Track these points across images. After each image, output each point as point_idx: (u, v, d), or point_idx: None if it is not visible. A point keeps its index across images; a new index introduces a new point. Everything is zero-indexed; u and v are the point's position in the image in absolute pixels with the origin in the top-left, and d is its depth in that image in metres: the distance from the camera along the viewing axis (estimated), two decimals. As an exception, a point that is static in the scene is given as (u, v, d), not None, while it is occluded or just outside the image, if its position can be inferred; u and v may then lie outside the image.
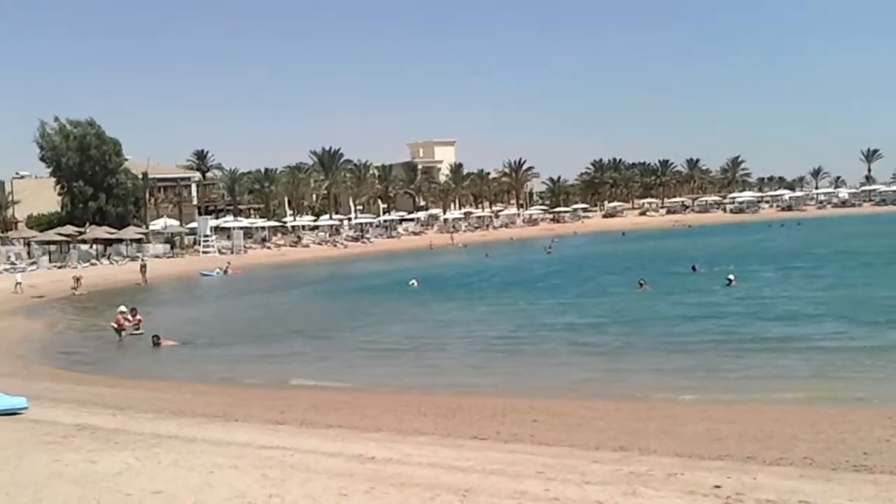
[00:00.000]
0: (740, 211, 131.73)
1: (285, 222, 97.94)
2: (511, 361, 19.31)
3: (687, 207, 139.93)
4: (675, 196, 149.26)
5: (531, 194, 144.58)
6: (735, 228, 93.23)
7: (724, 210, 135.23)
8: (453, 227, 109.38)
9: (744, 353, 18.28)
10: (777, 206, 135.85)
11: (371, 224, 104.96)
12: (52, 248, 68.89)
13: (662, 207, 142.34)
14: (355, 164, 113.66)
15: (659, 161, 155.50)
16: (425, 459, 8.52)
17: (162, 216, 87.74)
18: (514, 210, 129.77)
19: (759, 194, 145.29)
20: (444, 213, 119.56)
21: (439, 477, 7.60)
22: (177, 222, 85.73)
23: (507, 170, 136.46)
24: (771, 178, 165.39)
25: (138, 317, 25.36)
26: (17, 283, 46.14)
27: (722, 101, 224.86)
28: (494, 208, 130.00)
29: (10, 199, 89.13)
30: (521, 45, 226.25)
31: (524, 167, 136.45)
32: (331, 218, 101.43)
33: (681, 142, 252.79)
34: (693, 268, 40.66)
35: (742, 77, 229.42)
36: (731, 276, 33.26)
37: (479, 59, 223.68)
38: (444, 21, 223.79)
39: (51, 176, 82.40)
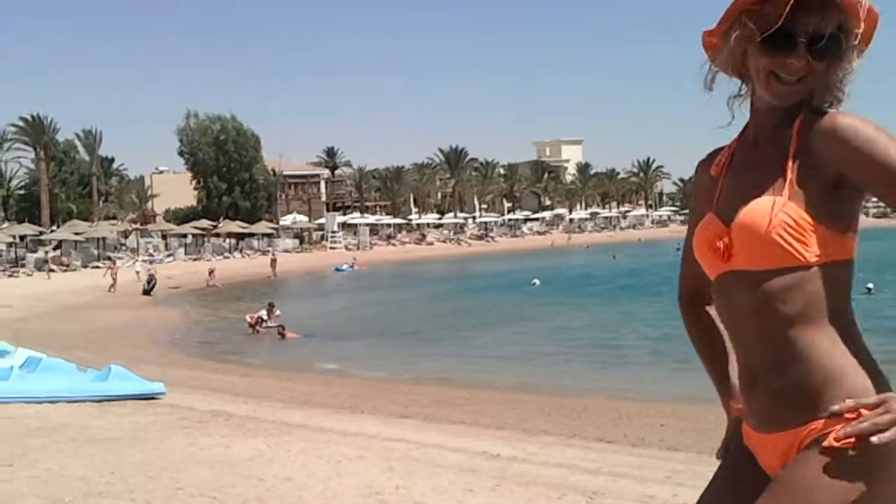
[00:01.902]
0: (883, 216, 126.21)
1: (410, 220, 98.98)
2: (635, 365, 19.12)
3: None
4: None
5: (661, 195, 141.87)
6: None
7: (867, 215, 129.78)
8: (572, 227, 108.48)
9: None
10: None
11: (495, 223, 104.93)
12: (188, 240, 71.29)
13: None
14: (481, 163, 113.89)
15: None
16: (551, 459, 8.46)
17: (292, 212, 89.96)
18: (642, 211, 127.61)
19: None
20: (570, 212, 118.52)
21: (566, 477, 7.52)
22: (306, 218, 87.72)
23: (635, 169, 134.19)
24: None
25: (277, 312, 25.93)
26: (137, 273, 46.75)
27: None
28: (622, 209, 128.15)
29: (149, 193, 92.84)
30: (652, 44, 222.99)
31: (654, 167, 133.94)
32: (455, 216, 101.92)
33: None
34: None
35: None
36: (870, 285, 31.88)
37: (608, 58, 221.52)
38: (572, 22, 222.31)
39: (188, 171, 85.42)
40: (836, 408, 1.81)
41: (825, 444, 1.81)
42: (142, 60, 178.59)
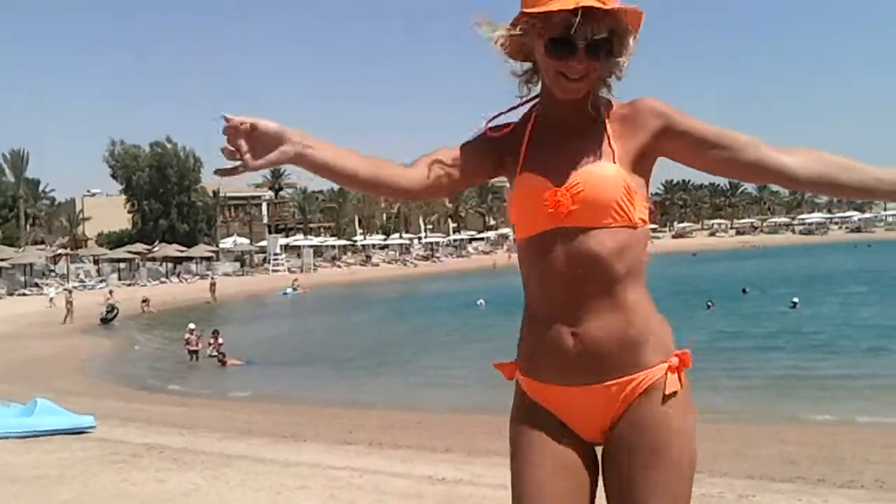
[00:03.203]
0: (809, 232, 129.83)
1: (355, 241, 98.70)
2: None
3: (756, 228, 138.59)
4: (744, 217, 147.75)
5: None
6: (814, 249, 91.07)
7: (793, 231, 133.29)
8: (505, 247, 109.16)
9: (813, 376, 18.12)
10: (846, 228, 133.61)
11: (441, 243, 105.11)
12: (122, 265, 70.01)
13: (732, 228, 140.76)
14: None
15: (730, 183, 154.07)
16: (497, 480, 8.25)
17: (232, 234, 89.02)
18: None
19: (828, 215, 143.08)
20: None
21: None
22: (247, 241, 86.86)
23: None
24: (840, 200, 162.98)
25: (220, 340, 25.26)
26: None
27: (790, 120, 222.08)
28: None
29: (80, 216, 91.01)
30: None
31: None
32: (401, 237, 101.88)
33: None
34: (743, 290, 40.04)
35: (809, 95, 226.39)
36: (796, 300, 32.59)
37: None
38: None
39: (121, 194, 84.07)
40: (674, 359, 2.19)
41: (672, 390, 2.15)
42: (74, 78, 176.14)
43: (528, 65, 2.31)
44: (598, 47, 2.13)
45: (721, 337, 24.98)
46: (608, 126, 2.22)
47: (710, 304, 33.46)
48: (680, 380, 2.18)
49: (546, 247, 2.20)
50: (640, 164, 2.22)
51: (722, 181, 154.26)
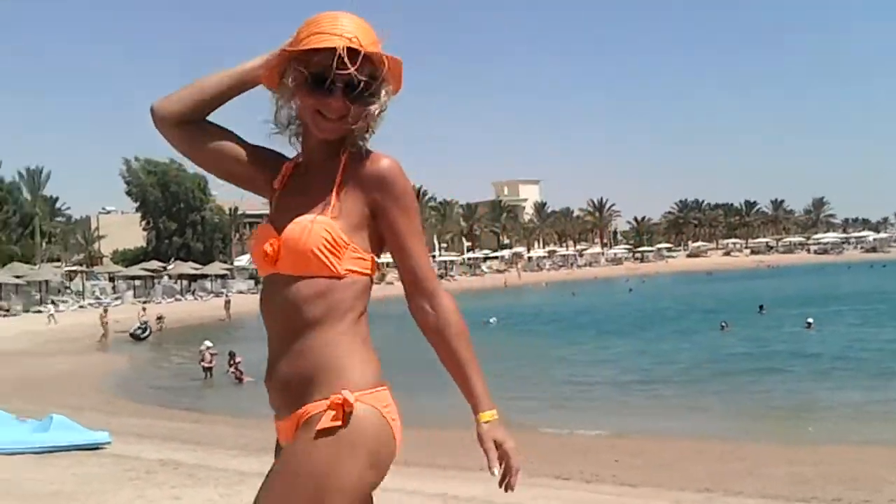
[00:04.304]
0: (824, 252, 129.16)
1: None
2: (589, 402, 19.09)
3: (771, 248, 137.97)
4: (759, 236, 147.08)
5: (615, 233, 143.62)
6: (830, 269, 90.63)
7: (808, 251, 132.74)
8: (530, 265, 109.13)
9: (826, 397, 18.04)
10: (861, 248, 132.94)
11: (455, 262, 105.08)
12: (137, 283, 70.16)
13: (747, 248, 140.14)
14: (440, 203, 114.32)
15: (744, 202, 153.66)
16: (507, 499, 8.27)
17: (247, 252, 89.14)
18: (598, 249, 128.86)
19: (844, 235, 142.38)
20: (529, 251, 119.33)
21: (523, 517, 7.36)
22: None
23: (590, 209, 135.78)
24: (856, 220, 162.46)
25: (237, 359, 25.20)
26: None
27: (806, 140, 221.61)
28: (578, 247, 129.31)
29: (95, 234, 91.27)
30: (606, 84, 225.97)
31: (608, 206, 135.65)
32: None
33: (766, 182, 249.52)
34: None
35: (824, 117, 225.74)
36: (810, 320, 32.48)
37: (564, 98, 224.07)
38: (529, 60, 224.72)
39: (136, 211, 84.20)
40: (335, 396, 2.20)
41: (325, 426, 2.17)
42: (92, 97, 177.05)
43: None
44: (355, 89, 2.22)
45: (734, 358, 24.90)
46: (342, 177, 2.30)
47: (724, 324, 33.33)
48: (344, 419, 2.19)
49: (266, 289, 2.38)
50: (364, 220, 2.31)
51: (737, 200, 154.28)
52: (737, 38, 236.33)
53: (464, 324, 2.44)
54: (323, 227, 2.24)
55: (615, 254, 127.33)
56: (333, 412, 2.19)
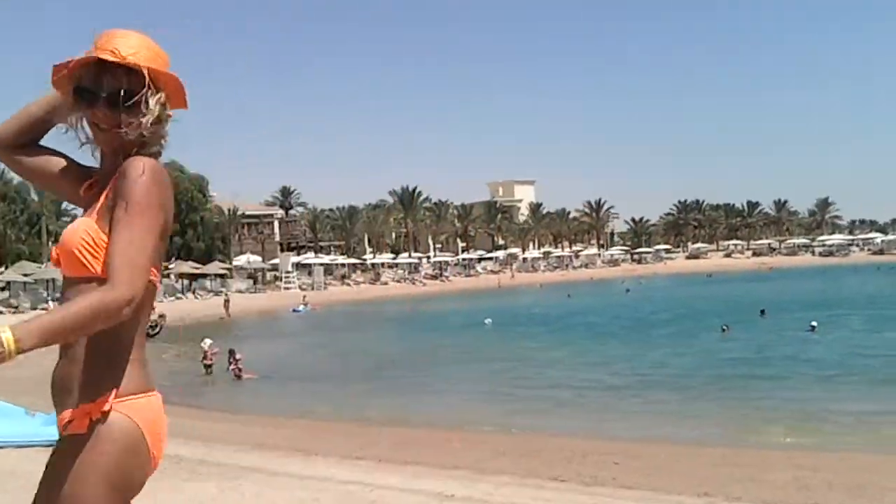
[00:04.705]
0: (830, 254, 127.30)
1: (365, 260, 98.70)
2: (587, 404, 19.10)
3: (774, 250, 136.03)
4: (761, 238, 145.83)
5: (612, 235, 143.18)
6: (835, 271, 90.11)
7: (813, 253, 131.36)
8: (526, 266, 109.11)
9: (829, 402, 17.87)
10: (868, 250, 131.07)
11: (449, 262, 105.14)
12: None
13: (748, 249, 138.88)
14: (435, 203, 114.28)
15: (746, 203, 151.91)
16: (506, 499, 8.41)
17: (245, 252, 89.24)
18: (594, 250, 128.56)
19: (850, 237, 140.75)
20: (523, 252, 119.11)
21: (520, 517, 7.49)
22: (260, 258, 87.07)
23: (587, 210, 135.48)
24: (863, 221, 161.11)
25: (238, 356, 25.36)
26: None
27: (812, 140, 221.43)
28: (574, 248, 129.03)
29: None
30: (602, 84, 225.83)
31: (605, 207, 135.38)
32: (410, 256, 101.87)
33: (769, 183, 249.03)
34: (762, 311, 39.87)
35: (831, 116, 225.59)
36: (814, 323, 32.40)
37: (558, 99, 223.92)
38: (523, 60, 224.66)
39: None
40: (85, 405, 2.24)
41: (76, 431, 2.23)
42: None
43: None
44: (115, 98, 2.30)
45: (735, 362, 24.82)
46: (113, 182, 2.33)
47: (725, 327, 33.18)
48: (91, 423, 2.24)
49: (62, 291, 2.45)
50: None
51: (739, 201, 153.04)
52: (737, 38, 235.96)
53: (103, 309, 2.14)
54: (83, 229, 2.31)
55: (612, 255, 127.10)
56: (80, 420, 2.25)
